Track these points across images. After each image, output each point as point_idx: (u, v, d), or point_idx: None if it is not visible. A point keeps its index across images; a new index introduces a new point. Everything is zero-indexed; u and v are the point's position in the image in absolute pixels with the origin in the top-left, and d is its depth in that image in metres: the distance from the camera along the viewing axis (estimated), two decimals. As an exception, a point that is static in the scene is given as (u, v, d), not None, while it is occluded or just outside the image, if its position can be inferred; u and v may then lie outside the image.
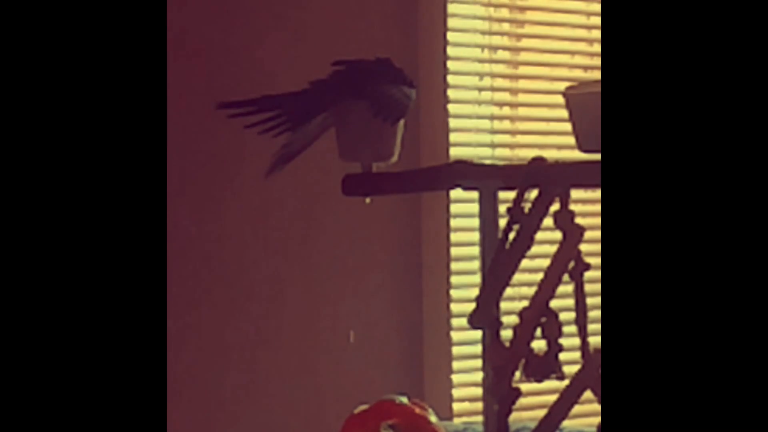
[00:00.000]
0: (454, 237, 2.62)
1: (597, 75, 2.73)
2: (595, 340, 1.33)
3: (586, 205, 2.52)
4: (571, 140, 1.55)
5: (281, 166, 1.68)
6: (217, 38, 2.38)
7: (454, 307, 2.61)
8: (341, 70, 1.63)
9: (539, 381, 1.43)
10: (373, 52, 1.66)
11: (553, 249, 1.43)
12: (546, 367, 1.42)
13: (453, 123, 2.65)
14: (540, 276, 1.43)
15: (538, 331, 1.42)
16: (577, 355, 1.42)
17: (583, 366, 1.42)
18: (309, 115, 1.62)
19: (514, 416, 1.45)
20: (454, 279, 2.62)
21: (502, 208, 1.52)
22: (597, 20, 2.81)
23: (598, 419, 1.22)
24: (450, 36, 2.63)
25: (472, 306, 1.47)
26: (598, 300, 1.18)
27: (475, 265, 2.55)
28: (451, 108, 2.64)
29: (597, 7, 2.83)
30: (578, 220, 1.43)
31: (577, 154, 1.54)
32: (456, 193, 2.52)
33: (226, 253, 2.38)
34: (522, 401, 1.45)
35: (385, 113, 1.57)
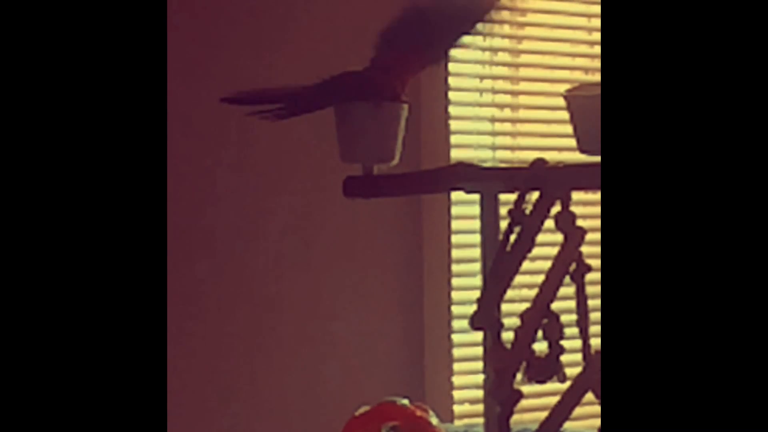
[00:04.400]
0: (455, 239, 2.62)
1: (597, 77, 2.73)
2: (596, 342, 1.33)
3: (587, 207, 2.52)
4: (572, 142, 1.55)
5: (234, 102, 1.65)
6: (218, 40, 2.38)
7: (455, 309, 2.61)
8: (353, 72, 1.62)
9: (540, 383, 1.43)
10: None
11: (554, 251, 1.43)
12: (547, 369, 1.42)
13: (454, 125, 2.65)
14: (541, 278, 1.44)
15: (540, 333, 1.43)
16: (578, 357, 1.42)
17: (584, 368, 1.42)
18: (309, 109, 1.62)
19: (515, 418, 1.45)
20: (455, 281, 2.62)
21: (503, 210, 1.52)
22: (597, 22, 2.81)
23: (599, 421, 1.22)
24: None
25: (474, 308, 1.47)
26: (599, 302, 1.18)
27: (476, 267, 2.54)
28: (452, 110, 2.64)
29: (597, 9, 2.82)
30: (579, 222, 1.44)
31: (578, 156, 1.54)
32: (457, 195, 2.52)
33: (227, 253, 2.38)
34: (523, 403, 1.45)
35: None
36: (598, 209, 1.27)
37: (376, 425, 1.64)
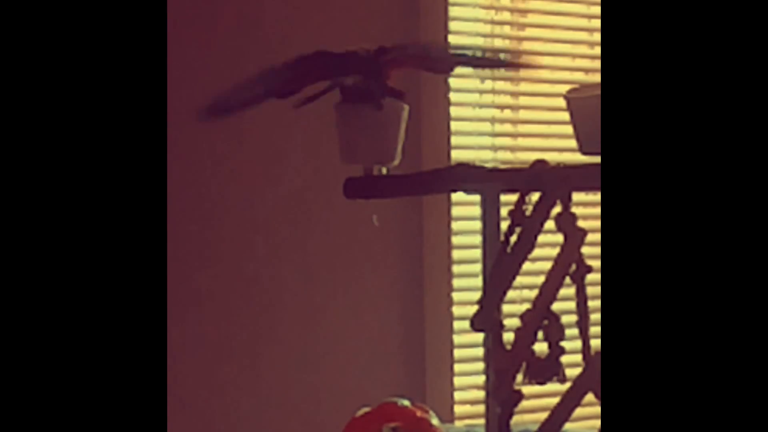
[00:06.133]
0: (455, 240, 2.62)
1: (598, 78, 2.72)
2: (596, 343, 1.33)
3: (588, 207, 2.52)
4: (573, 143, 1.55)
5: (215, 117, 1.66)
6: (212, 32, 2.38)
7: (456, 310, 2.61)
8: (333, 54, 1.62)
9: (541, 384, 1.43)
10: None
11: (554, 252, 1.43)
12: (548, 369, 1.42)
13: (454, 126, 2.65)
14: (542, 279, 1.44)
15: (540, 334, 1.43)
16: (578, 357, 1.42)
17: (584, 369, 1.42)
18: (292, 88, 1.61)
19: (515, 419, 1.45)
20: (455, 282, 2.62)
21: (504, 211, 1.52)
22: (598, 23, 2.81)
23: (599, 422, 1.22)
24: (451, 39, 2.63)
25: (474, 309, 1.47)
26: (599, 302, 1.18)
27: (477, 268, 2.54)
28: (453, 111, 2.64)
29: (598, 10, 2.82)
30: (580, 223, 1.44)
31: (579, 157, 1.54)
32: (458, 195, 2.52)
33: (226, 254, 2.38)
34: (524, 404, 1.45)
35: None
36: (598, 210, 1.27)
37: (377, 426, 1.64)
